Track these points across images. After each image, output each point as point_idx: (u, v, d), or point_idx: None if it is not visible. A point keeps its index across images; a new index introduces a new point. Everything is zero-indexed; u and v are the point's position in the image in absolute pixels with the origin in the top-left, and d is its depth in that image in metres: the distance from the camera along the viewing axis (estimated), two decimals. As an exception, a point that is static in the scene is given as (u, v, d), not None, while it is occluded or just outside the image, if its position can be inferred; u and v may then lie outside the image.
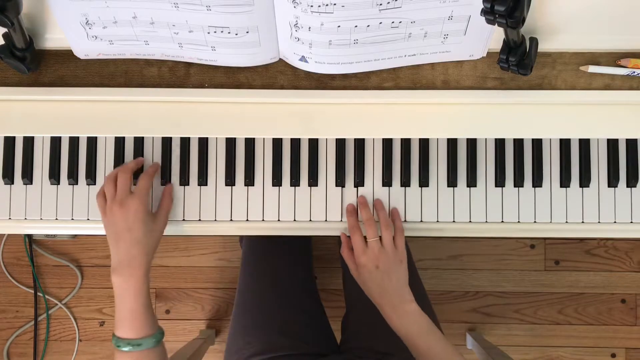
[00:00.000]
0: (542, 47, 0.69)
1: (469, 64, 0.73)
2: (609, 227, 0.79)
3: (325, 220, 0.79)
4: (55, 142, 0.79)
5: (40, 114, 0.74)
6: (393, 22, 0.64)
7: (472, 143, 0.79)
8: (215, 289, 1.57)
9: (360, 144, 0.79)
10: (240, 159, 0.79)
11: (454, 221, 0.79)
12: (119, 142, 0.79)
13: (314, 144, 0.79)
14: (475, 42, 0.69)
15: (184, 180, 0.79)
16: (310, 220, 0.79)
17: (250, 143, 0.79)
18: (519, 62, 0.67)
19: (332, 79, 0.73)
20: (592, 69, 0.72)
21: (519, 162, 0.78)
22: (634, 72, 0.71)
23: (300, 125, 0.74)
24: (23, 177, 0.78)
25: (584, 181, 0.78)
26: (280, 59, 0.73)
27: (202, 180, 0.78)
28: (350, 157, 0.79)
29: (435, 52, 0.70)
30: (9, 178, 0.78)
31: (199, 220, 0.79)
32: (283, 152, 0.79)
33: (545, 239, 1.56)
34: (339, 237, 0.80)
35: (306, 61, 0.70)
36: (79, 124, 0.74)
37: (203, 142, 0.79)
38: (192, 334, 1.57)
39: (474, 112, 0.74)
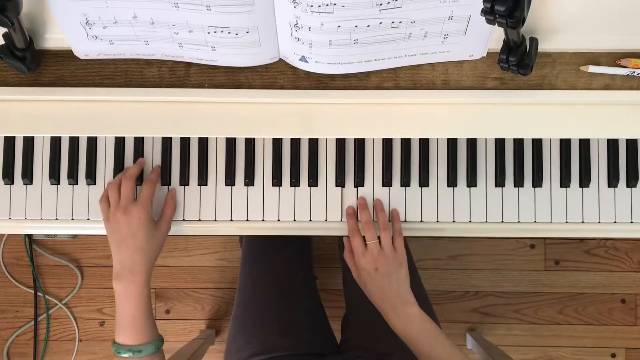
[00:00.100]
0: (542, 47, 0.69)
1: (469, 64, 0.73)
2: (609, 227, 0.79)
3: (325, 220, 0.79)
4: (55, 142, 0.79)
5: (40, 114, 0.74)
6: (393, 22, 0.64)
7: (472, 143, 0.79)
8: (215, 289, 1.57)
9: (360, 144, 0.79)
10: (240, 159, 0.79)
11: (454, 221, 0.79)
12: (119, 142, 0.79)
13: (314, 144, 0.79)
14: (475, 42, 0.69)
15: (184, 180, 0.79)
16: (310, 220, 0.79)
17: (250, 143, 0.79)
18: (519, 62, 0.67)
19: (332, 79, 0.73)
20: (592, 69, 0.72)
21: (519, 162, 0.78)
22: (634, 72, 0.71)
23: (300, 125, 0.74)
24: (23, 177, 0.78)
25: (584, 181, 0.78)
26: (280, 59, 0.73)
27: (202, 180, 0.78)
28: (350, 157, 0.79)
29: (435, 52, 0.70)
30: (9, 178, 0.78)
31: (199, 220, 0.79)
32: (283, 152, 0.79)
33: (545, 239, 1.56)
34: (338, 237, 0.80)
35: (306, 61, 0.70)
36: (79, 124, 0.74)
37: (203, 142, 0.79)
38: (192, 334, 1.57)
39: (474, 112, 0.74)
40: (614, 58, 0.72)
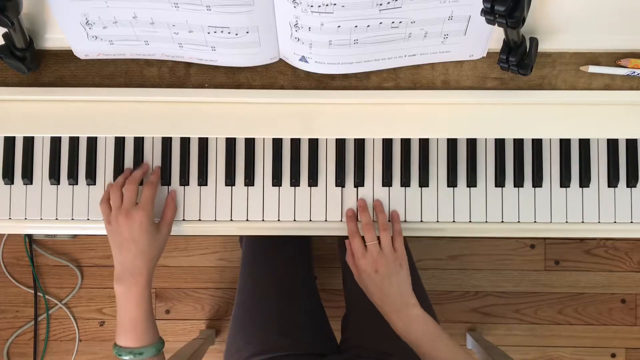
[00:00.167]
0: (542, 47, 0.69)
1: (469, 64, 0.73)
2: (609, 227, 0.79)
3: (325, 220, 0.79)
4: (55, 142, 0.79)
5: (40, 114, 0.74)
6: (393, 22, 0.64)
7: (472, 143, 0.79)
8: (215, 289, 1.57)
9: (360, 144, 0.79)
10: (240, 159, 0.79)
11: (454, 221, 0.79)
12: (119, 142, 0.79)
13: (314, 144, 0.79)
14: (475, 42, 0.69)
15: (184, 180, 0.79)
16: (310, 220, 0.79)
17: (250, 143, 0.79)
18: (519, 62, 0.67)
19: (332, 79, 0.73)
20: (592, 69, 0.72)
21: (519, 162, 0.78)
22: (634, 72, 0.71)
23: (300, 125, 0.74)
24: (23, 177, 0.78)
25: (584, 181, 0.78)
26: (280, 59, 0.73)
27: (202, 180, 0.78)
28: (350, 157, 0.79)
29: (435, 52, 0.70)
30: (9, 178, 0.78)
31: (199, 220, 0.79)
32: (283, 152, 0.79)
33: (545, 239, 1.56)
34: (339, 237, 0.80)
35: (306, 61, 0.70)
36: (79, 124, 0.74)
37: (203, 142, 0.79)
38: (192, 334, 1.57)
39: (474, 112, 0.74)
40: (614, 58, 0.72)
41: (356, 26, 0.64)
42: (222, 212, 0.78)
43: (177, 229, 0.79)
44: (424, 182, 0.79)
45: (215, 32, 0.66)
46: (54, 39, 0.72)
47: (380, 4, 0.61)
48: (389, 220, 0.78)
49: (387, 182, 0.79)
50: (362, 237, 0.76)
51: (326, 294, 1.53)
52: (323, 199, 0.79)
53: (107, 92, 0.73)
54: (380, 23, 0.64)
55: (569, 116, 0.74)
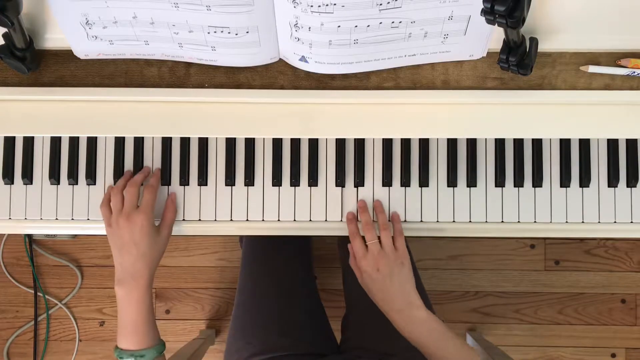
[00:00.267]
0: (542, 47, 0.69)
1: (469, 64, 0.73)
2: (609, 227, 0.79)
3: (325, 220, 0.79)
4: (55, 142, 0.79)
5: (40, 114, 0.74)
6: (393, 22, 0.64)
7: (472, 143, 0.79)
8: (215, 289, 1.58)
9: (360, 144, 0.79)
10: (240, 159, 0.79)
11: (454, 221, 0.79)
12: (119, 142, 0.79)
13: (314, 144, 0.79)
14: (475, 42, 0.69)
15: (184, 180, 0.79)
16: (310, 220, 0.79)
17: (250, 143, 0.79)
18: (519, 62, 0.67)
19: (332, 79, 0.73)
20: (592, 69, 0.72)
21: (519, 162, 0.78)
22: (634, 72, 0.71)
23: (300, 125, 0.74)
24: (23, 177, 0.78)
25: (584, 181, 0.78)
26: (280, 59, 0.73)
27: (202, 180, 0.78)
28: (350, 157, 0.79)
29: (435, 52, 0.70)
30: (9, 178, 0.78)
31: (199, 220, 0.79)
32: (283, 152, 0.79)
33: (545, 239, 1.56)
34: (339, 237, 0.80)
35: (306, 61, 0.70)
36: (79, 124, 0.74)
37: (203, 142, 0.79)
38: (192, 334, 1.57)
39: (474, 112, 0.74)
40: (614, 58, 0.72)
41: (356, 26, 0.64)
42: (222, 212, 0.78)
43: (177, 229, 0.79)
44: (424, 182, 0.79)
45: (215, 32, 0.66)
46: (54, 39, 0.72)
47: (380, 4, 0.61)
48: (390, 221, 0.78)
49: (387, 182, 0.79)
50: (363, 238, 0.76)
51: (326, 294, 1.53)
52: (323, 199, 0.79)
53: (107, 92, 0.73)
54: (380, 23, 0.64)
55: (569, 116, 0.74)
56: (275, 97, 0.73)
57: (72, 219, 0.79)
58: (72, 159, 0.79)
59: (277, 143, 0.79)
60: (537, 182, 0.78)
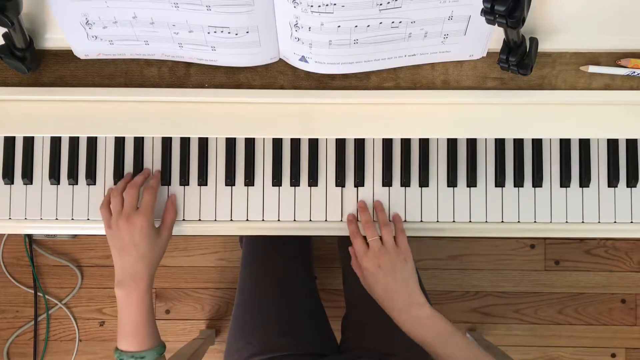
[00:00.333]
0: (542, 47, 0.69)
1: (469, 64, 0.73)
2: (609, 227, 0.79)
3: (325, 220, 0.79)
4: (55, 142, 0.79)
5: (40, 114, 0.74)
6: (393, 22, 0.64)
7: (472, 143, 0.79)
8: (215, 289, 1.57)
9: (360, 144, 0.79)
10: (240, 159, 0.79)
11: (454, 221, 0.79)
12: (119, 142, 0.79)
13: (314, 144, 0.79)
14: (475, 42, 0.69)
15: (184, 180, 0.79)
16: (310, 220, 0.79)
17: (250, 143, 0.79)
18: (519, 62, 0.67)
19: (332, 79, 0.73)
20: (592, 69, 0.72)
21: (519, 162, 0.78)
22: (634, 72, 0.71)
23: (300, 125, 0.74)
24: (23, 177, 0.78)
25: (584, 181, 0.78)
26: (280, 59, 0.73)
27: (202, 180, 0.78)
28: (350, 157, 0.79)
29: (435, 52, 0.70)
30: (9, 178, 0.78)
31: (199, 220, 0.79)
32: (283, 152, 0.79)
33: (545, 239, 1.56)
34: (339, 237, 0.80)
35: (306, 61, 0.70)
36: (79, 124, 0.74)
37: (203, 142, 0.79)
38: (192, 334, 1.57)
39: (474, 112, 0.74)
40: (614, 58, 0.72)
41: (356, 26, 0.64)
42: (222, 212, 0.78)
43: (177, 229, 0.79)
44: (424, 182, 0.79)
45: (215, 32, 0.66)
46: (54, 39, 0.72)
47: (380, 4, 0.61)
48: (391, 221, 0.78)
49: (387, 182, 0.79)
50: (365, 239, 0.76)
51: (326, 294, 1.53)
52: (323, 199, 0.79)
53: (107, 92, 0.73)
54: (380, 23, 0.64)
55: (569, 116, 0.74)
56: (275, 97, 0.73)
57: (72, 219, 0.79)
58: (72, 159, 0.79)
59: (277, 143, 0.79)
60: (537, 182, 0.78)
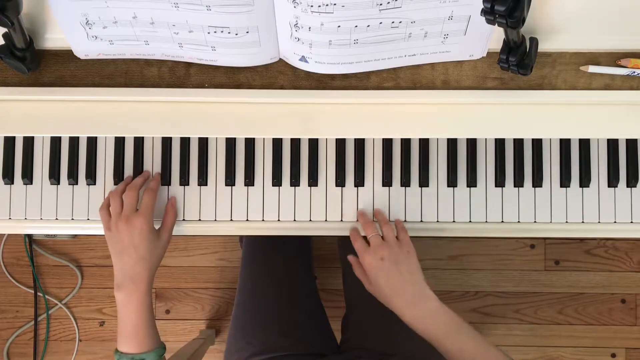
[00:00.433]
0: (542, 47, 0.69)
1: (469, 64, 0.73)
2: (609, 227, 0.79)
3: (325, 220, 0.79)
4: (55, 142, 0.79)
5: (40, 114, 0.74)
6: (393, 22, 0.64)
7: (472, 143, 0.79)
8: (215, 289, 1.57)
9: (360, 144, 0.79)
10: (240, 159, 0.79)
11: (454, 221, 0.79)
12: (119, 142, 0.79)
13: (314, 144, 0.79)
14: (475, 42, 0.69)
15: (184, 180, 0.79)
16: (310, 220, 0.79)
17: (250, 143, 0.79)
18: (519, 62, 0.67)
19: (332, 79, 0.73)
20: (592, 69, 0.72)
21: (519, 162, 0.78)
22: (634, 72, 0.71)
23: (300, 125, 0.74)
24: (23, 177, 0.78)
25: (584, 181, 0.78)
26: (280, 59, 0.73)
27: (202, 180, 0.78)
28: (350, 157, 0.79)
29: (435, 52, 0.70)
30: (9, 178, 0.78)
31: (199, 220, 0.79)
32: (283, 152, 0.79)
33: (545, 239, 1.56)
34: (339, 237, 0.79)
35: (306, 61, 0.70)
36: (79, 124, 0.74)
37: (203, 142, 0.79)
38: (192, 334, 1.57)
39: (474, 112, 0.74)
40: (614, 58, 0.72)
41: (356, 26, 0.64)
42: (222, 212, 0.78)
43: (177, 229, 0.79)
44: (424, 182, 0.79)
45: (215, 32, 0.66)
46: (54, 39, 0.72)
47: (380, 4, 0.61)
48: (391, 222, 0.78)
49: (387, 182, 0.79)
50: (365, 239, 0.75)
51: (326, 294, 1.53)
52: (323, 199, 0.79)
53: (107, 92, 0.73)
54: (380, 23, 0.64)
55: (569, 116, 0.74)
56: (275, 97, 0.73)
57: (72, 219, 0.79)
58: (72, 159, 0.79)
59: (277, 143, 0.79)
60: (537, 182, 0.78)
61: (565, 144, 0.79)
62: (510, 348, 1.55)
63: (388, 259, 0.70)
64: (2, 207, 0.78)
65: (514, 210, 0.78)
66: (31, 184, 0.79)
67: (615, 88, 0.73)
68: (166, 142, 0.79)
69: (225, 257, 1.58)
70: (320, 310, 1.03)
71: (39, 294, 1.56)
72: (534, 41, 0.68)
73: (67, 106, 0.74)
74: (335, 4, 0.60)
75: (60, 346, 1.58)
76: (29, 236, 1.54)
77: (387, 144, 0.79)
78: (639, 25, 0.70)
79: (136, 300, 0.71)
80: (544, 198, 0.78)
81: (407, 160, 0.79)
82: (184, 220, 0.79)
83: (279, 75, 0.73)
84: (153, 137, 0.79)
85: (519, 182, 0.78)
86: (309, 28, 0.64)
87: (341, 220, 0.79)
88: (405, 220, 0.78)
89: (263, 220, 0.79)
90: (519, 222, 0.79)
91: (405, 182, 0.79)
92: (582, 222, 0.78)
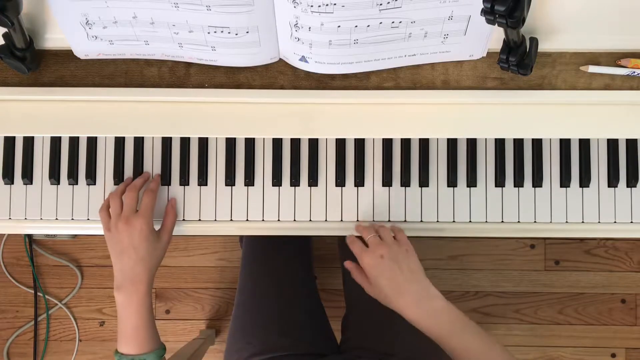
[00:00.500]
0: (542, 47, 0.69)
1: (469, 64, 0.73)
2: (609, 227, 0.79)
3: (325, 220, 0.79)
4: (55, 142, 0.79)
5: (40, 114, 0.74)
6: (393, 22, 0.64)
7: (472, 143, 0.79)
8: (215, 289, 1.57)
9: (360, 144, 0.79)
10: (240, 159, 0.79)
11: (454, 221, 0.79)
12: (119, 142, 0.79)
13: (314, 144, 0.79)
14: (475, 42, 0.69)
15: (184, 180, 0.79)
16: (310, 220, 0.79)
17: (250, 143, 0.79)
18: (519, 62, 0.67)
19: (332, 79, 0.73)
20: (592, 69, 0.72)
21: (519, 162, 0.78)
22: (634, 72, 0.71)
23: (300, 125, 0.74)
24: (23, 177, 0.78)
25: (584, 181, 0.78)
26: (280, 59, 0.73)
27: (202, 180, 0.78)
28: (350, 157, 0.79)
29: (435, 52, 0.70)
30: (9, 178, 0.78)
31: (199, 220, 0.79)
32: (283, 152, 0.79)
33: (545, 239, 1.56)
34: (338, 237, 0.79)
35: (306, 61, 0.70)
36: (79, 124, 0.74)
37: (203, 142, 0.79)
38: (192, 334, 1.57)
39: (474, 112, 0.74)
40: (614, 58, 0.72)
41: (356, 26, 0.64)
42: (222, 212, 0.78)
43: (177, 229, 0.79)
44: (424, 182, 0.79)
45: (215, 32, 0.66)
46: (54, 39, 0.72)
47: (380, 4, 0.61)
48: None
49: (387, 182, 0.79)
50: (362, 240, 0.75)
51: (326, 294, 1.53)
52: (323, 199, 0.79)
53: (107, 92, 0.73)
54: (380, 23, 0.64)
55: (569, 116, 0.74)
56: (275, 97, 0.73)
57: (72, 219, 0.79)
58: (72, 159, 0.79)
59: (277, 143, 0.79)
60: (537, 182, 0.78)
61: (565, 144, 0.79)
62: (510, 348, 1.55)
63: (387, 257, 0.69)
64: (2, 207, 0.78)
65: (514, 210, 0.78)
66: (31, 184, 0.79)
67: (615, 88, 0.73)
68: (166, 142, 0.79)
69: (225, 257, 1.58)
70: (320, 310, 1.03)
71: (39, 294, 1.56)
72: (534, 41, 0.68)
73: (67, 106, 0.74)
74: (335, 4, 0.60)
75: (60, 346, 1.58)
76: (29, 236, 1.54)
77: (387, 144, 0.79)
78: (639, 25, 0.70)
79: (136, 302, 0.71)
80: (544, 198, 0.78)
81: (407, 160, 0.79)
82: (184, 220, 0.79)
83: (279, 75, 0.73)
84: (153, 137, 0.79)
85: (519, 182, 0.78)
86: (309, 28, 0.64)
87: (341, 220, 0.79)
88: (405, 220, 0.79)
89: (263, 220, 0.79)
90: (519, 222, 0.79)
91: (405, 182, 0.79)
92: (582, 222, 0.78)
